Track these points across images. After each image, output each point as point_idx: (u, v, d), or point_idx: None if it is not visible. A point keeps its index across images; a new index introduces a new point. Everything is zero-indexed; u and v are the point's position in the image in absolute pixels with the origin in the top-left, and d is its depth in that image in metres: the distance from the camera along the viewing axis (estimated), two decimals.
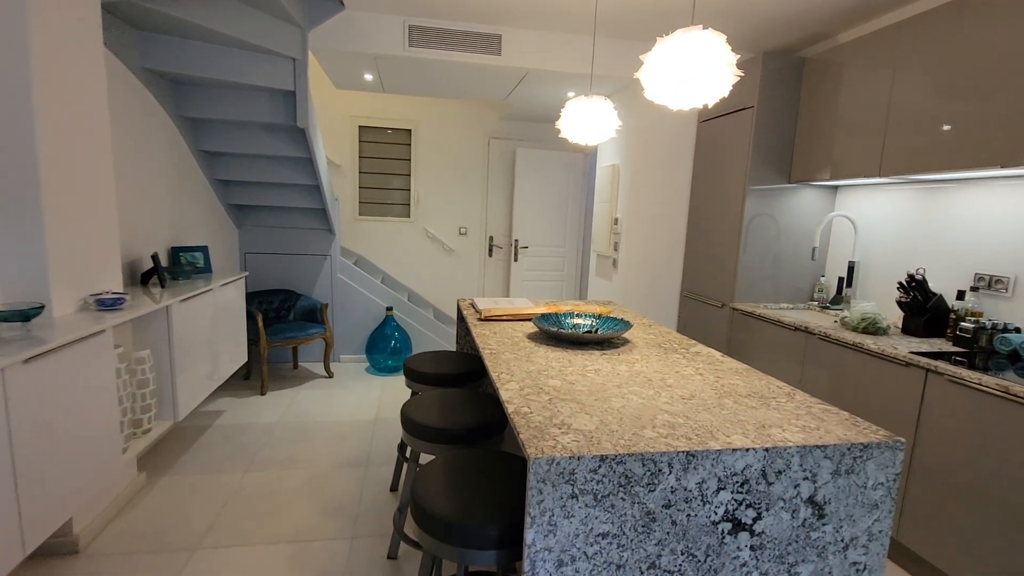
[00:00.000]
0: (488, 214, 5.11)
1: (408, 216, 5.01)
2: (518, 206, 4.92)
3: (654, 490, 1.02)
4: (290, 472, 2.51)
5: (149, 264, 2.64)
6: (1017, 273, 2.08)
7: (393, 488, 2.40)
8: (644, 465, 1.01)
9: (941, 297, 2.25)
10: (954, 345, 2.11)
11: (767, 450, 1.06)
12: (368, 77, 3.67)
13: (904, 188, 2.58)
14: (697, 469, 1.03)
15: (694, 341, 1.95)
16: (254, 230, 3.97)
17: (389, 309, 4.17)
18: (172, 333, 2.27)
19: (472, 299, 2.55)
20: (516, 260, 5.00)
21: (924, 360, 1.87)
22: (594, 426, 1.12)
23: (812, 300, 3.06)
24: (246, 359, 3.30)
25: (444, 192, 5.03)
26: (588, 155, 5.02)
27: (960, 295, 2.20)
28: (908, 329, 2.30)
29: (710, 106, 1.90)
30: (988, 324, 2.03)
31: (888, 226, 2.66)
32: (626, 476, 1.01)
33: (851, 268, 2.78)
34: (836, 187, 3.00)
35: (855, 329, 2.31)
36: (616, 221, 3.61)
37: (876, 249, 2.72)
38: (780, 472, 1.07)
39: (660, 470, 1.02)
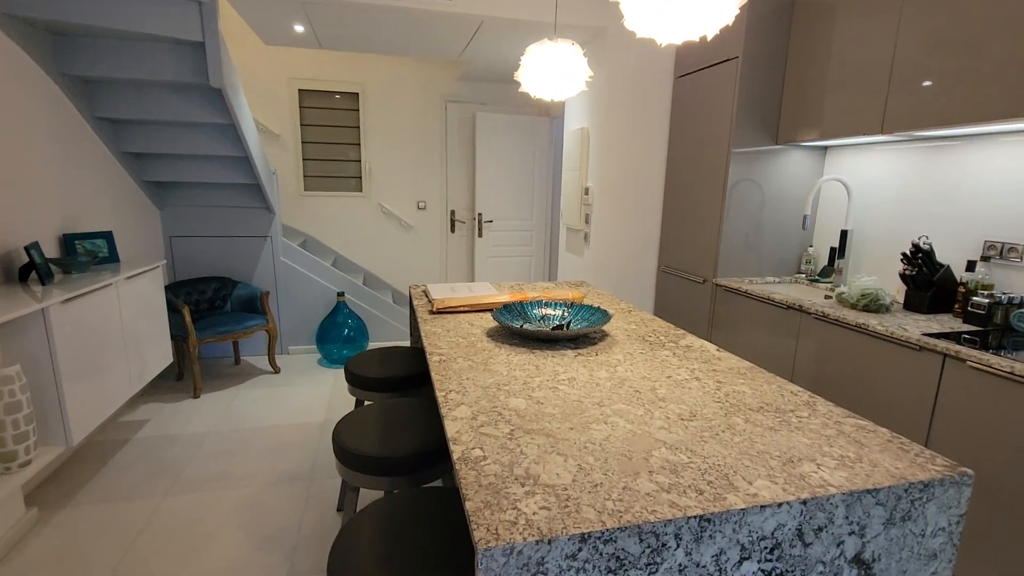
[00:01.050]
0: (448, 186, 4.71)
1: (360, 190, 4.56)
2: (480, 176, 4.53)
3: (656, 571, 0.73)
4: (220, 493, 2.16)
5: (26, 258, 2.18)
6: None
7: (340, 508, 2.08)
8: (642, 540, 0.71)
9: (948, 268, 2.02)
10: (964, 322, 1.89)
11: (804, 503, 0.77)
12: (299, 29, 3.18)
13: (903, 148, 2.33)
14: (714, 537, 0.74)
15: (682, 331, 1.66)
16: (179, 210, 3.49)
17: (340, 295, 3.78)
18: (54, 341, 1.85)
19: (425, 286, 2.21)
20: (480, 236, 4.64)
21: (942, 344, 1.64)
22: (571, 476, 0.81)
23: (799, 273, 2.83)
24: (171, 359, 2.89)
25: (399, 163, 4.60)
26: (555, 118, 4.64)
27: (970, 266, 1.98)
28: (911, 305, 2.08)
29: (708, 38, 1.55)
30: (1004, 298, 1.81)
31: (885, 191, 2.42)
32: (618, 558, 0.71)
33: (844, 237, 2.54)
34: (825, 149, 2.74)
35: (854, 306, 2.07)
36: (587, 191, 3.29)
37: (871, 216, 2.48)
38: (820, 529, 0.80)
39: (664, 544, 0.72)
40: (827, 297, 2.37)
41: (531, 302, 1.75)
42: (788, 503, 0.76)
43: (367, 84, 4.41)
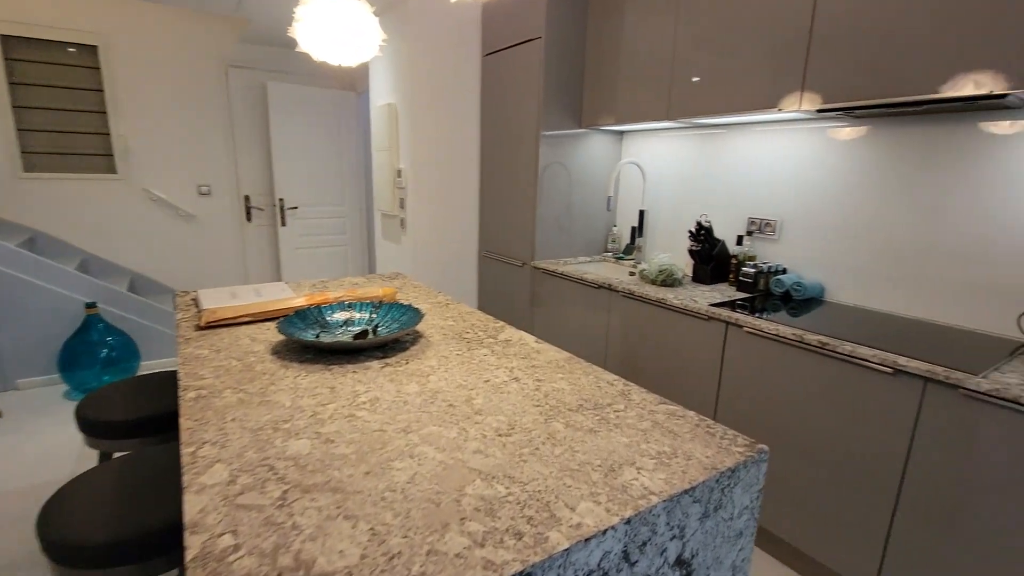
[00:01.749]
0: (239, 168, 4.02)
1: (114, 171, 3.63)
2: (279, 157, 3.95)
3: None
4: None
5: None
6: (782, 217, 2.18)
7: None
8: None
9: (723, 243, 2.28)
10: (738, 290, 2.16)
11: (629, 521, 0.70)
12: None
13: (686, 134, 2.57)
14: None
15: (502, 324, 1.56)
16: None
17: (91, 306, 2.96)
18: None
19: (197, 293, 1.77)
20: (284, 224, 4.07)
21: (724, 313, 1.81)
22: (359, 552, 0.62)
23: (607, 251, 3.00)
24: None
25: (169, 139, 3.76)
26: (362, 94, 4.25)
27: (739, 240, 2.25)
28: (698, 277, 2.31)
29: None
30: (765, 267, 2.10)
31: (673, 173, 2.65)
32: None
33: (641, 217, 2.74)
34: (622, 133, 2.92)
35: (654, 282, 2.22)
36: (399, 173, 3.05)
37: (664, 197, 2.71)
38: (645, 543, 0.73)
39: None
40: (631, 274, 2.53)
41: (331, 305, 1.48)
42: (613, 527, 0.68)
43: (111, 36, 3.48)
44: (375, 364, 1.21)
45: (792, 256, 2.16)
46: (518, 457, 0.83)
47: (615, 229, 2.97)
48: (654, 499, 0.73)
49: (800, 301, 1.99)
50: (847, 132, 1.94)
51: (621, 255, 2.86)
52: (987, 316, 1.65)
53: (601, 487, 0.76)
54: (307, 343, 1.22)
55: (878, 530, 1.48)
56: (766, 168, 2.22)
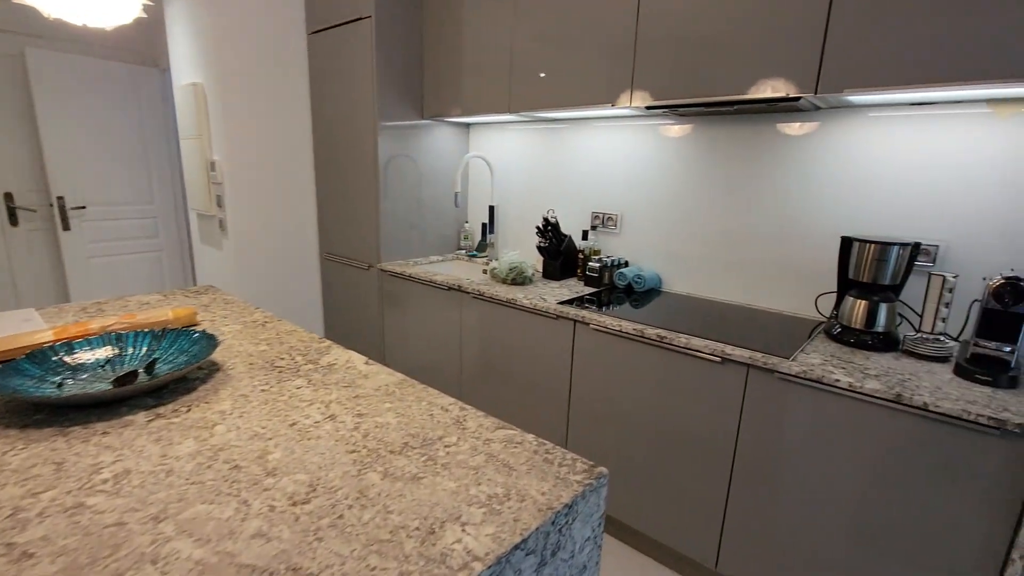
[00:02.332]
0: None
1: None
2: (53, 145, 3.17)
3: None
4: None
5: None
6: (623, 211, 2.24)
7: None
8: None
9: (571, 238, 2.28)
10: (586, 285, 2.17)
11: None
12: None
13: (531, 128, 2.53)
14: None
15: (328, 344, 1.35)
16: None
17: None
18: None
19: None
20: (67, 228, 3.30)
21: (572, 311, 1.79)
22: None
23: (460, 249, 2.88)
24: None
25: None
26: (166, 69, 3.59)
27: (584, 235, 2.27)
28: (548, 273, 2.28)
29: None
30: (608, 261, 2.13)
31: (521, 168, 2.60)
32: None
33: (491, 213, 2.66)
34: (468, 126, 2.80)
35: (504, 281, 2.15)
36: (213, 165, 2.60)
37: (513, 191, 2.66)
38: None
39: None
40: (484, 272, 2.43)
41: (90, 339, 1.14)
42: None
43: None
44: (140, 417, 0.93)
45: (633, 248, 2.23)
46: (312, 534, 0.65)
47: (467, 226, 2.86)
48: (478, 567, 0.61)
49: (641, 293, 2.06)
50: (675, 130, 2.03)
51: (474, 253, 2.76)
52: (793, 298, 1.84)
53: (415, 562, 0.61)
54: (35, 400, 0.89)
55: (716, 507, 1.56)
56: (606, 163, 2.26)
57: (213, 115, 2.52)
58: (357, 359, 1.25)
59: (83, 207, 3.35)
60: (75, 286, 3.38)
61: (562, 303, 1.87)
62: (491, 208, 2.65)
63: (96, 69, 3.29)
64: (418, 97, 2.53)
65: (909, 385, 1.23)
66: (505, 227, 2.72)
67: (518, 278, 2.13)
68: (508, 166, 2.65)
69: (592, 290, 2.09)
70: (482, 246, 2.75)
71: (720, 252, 1.97)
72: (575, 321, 1.79)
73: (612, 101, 1.85)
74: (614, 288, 2.12)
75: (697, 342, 1.50)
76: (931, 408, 1.15)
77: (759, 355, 1.40)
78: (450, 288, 2.19)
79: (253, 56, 2.49)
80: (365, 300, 2.66)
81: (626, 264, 2.22)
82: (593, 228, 2.29)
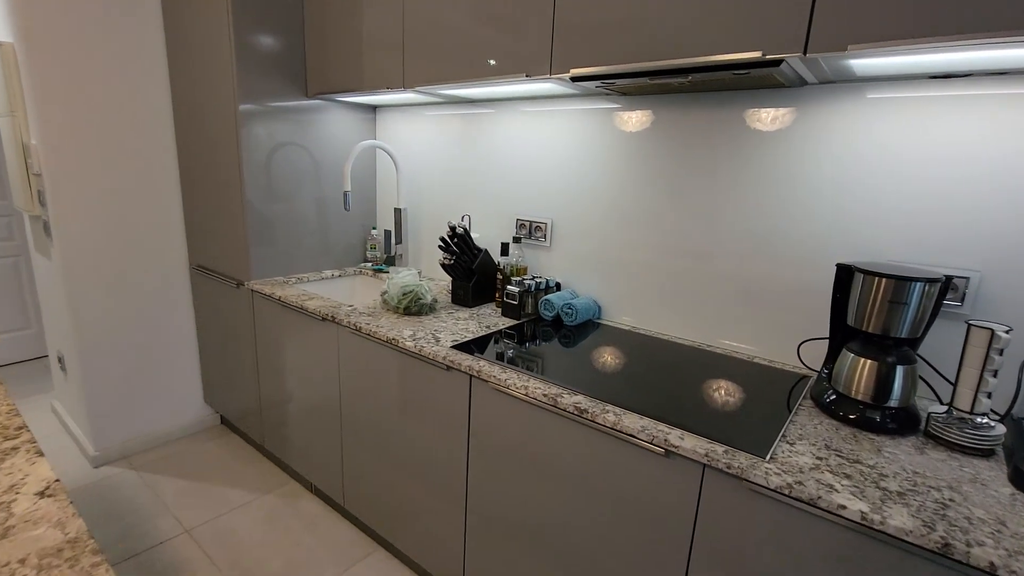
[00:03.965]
0: None
1: None
2: None
3: None
4: None
5: None
6: (554, 217, 1.75)
7: None
8: None
9: (487, 253, 1.78)
10: (503, 314, 1.67)
11: None
12: None
13: (444, 112, 2.01)
14: None
15: (21, 435, 0.80)
16: None
17: None
18: None
19: None
20: None
21: (467, 361, 1.28)
22: None
23: (366, 261, 2.35)
24: None
25: None
26: None
27: (504, 249, 1.77)
28: (457, 298, 1.77)
29: None
30: (531, 284, 1.64)
31: (436, 162, 2.08)
32: None
33: (398, 217, 2.13)
34: (375, 109, 2.27)
35: (396, 309, 1.63)
36: (27, 150, 2.00)
37: (425, 191, 2.14)
38: None
39: None
40: (383, 294, 1.90)
41: None
42: None
43: None
44: None
45: (566, 266, 1.74)
46: None
47: (375, 233, 2.32)
48: None
49: (572, 328, 1.57)
50: (622, 118, 1.54)
51: (381, 267, 2.23)
52: (767, 339, 1.37)
53: None
54: None
55: None
56: (535, 158, 1.76)
57: (28, 85, 1.92)
58: (36, 479, 0.71)
59: None
60: None
61: (459, 345, 1.36)
62: (397, 211, 2.12)
63: None
64: (300, 70, 1.98)
65: (955, 516, 0.76)
66: (417, 235, 2.20)
67: (412, 305, 1.61)
68: (419, 159, 2.12)
69: (510, 322, 1.59)
70: (392, 260, 2.22)
71: (675, 273, 1.50)
72: (470, 376, 1.28)
73: (528, 71, 1.35)
74: (540, 319, 1.63)
75: (631, 421, 1.01)
76: (1000, 572, 0.68)
77: (720, 449, 0.91)
78: (324, 318, 1.66)
79: (81, 9, 1.90)
80: (239, 325, 2.10)
81: (557, 287, 1.73)
82: (516, 240, 1.78)
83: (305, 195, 2.09)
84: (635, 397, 1.10)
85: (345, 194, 1.90)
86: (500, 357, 1.29)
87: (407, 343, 1.39)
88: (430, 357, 1.35)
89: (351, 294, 2.23)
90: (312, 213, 2.12)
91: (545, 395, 1.12)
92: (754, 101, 1.30)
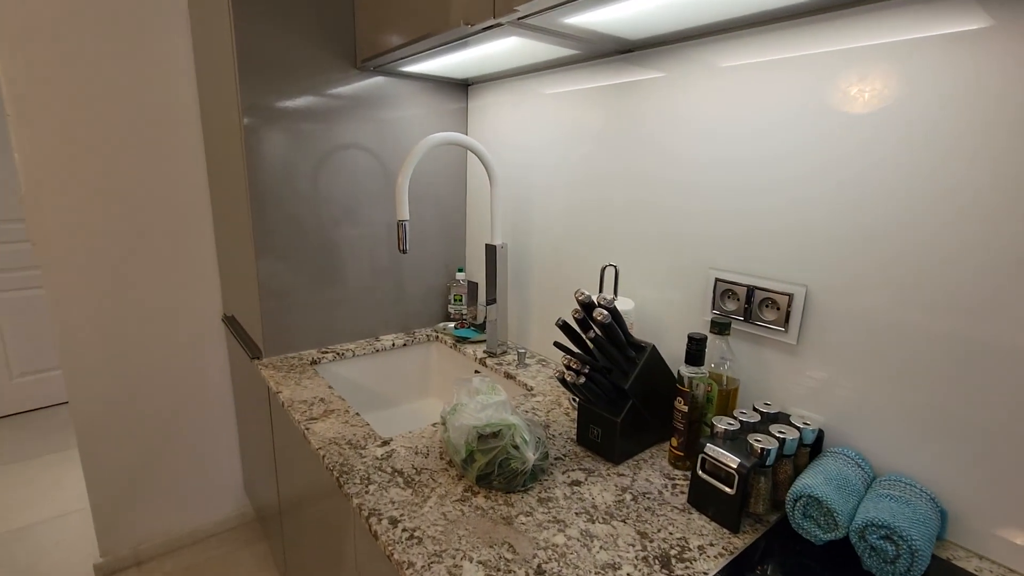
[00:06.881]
0: None
1: None
2: None
3: None
4: None
5: None
6: (809, 279, 0.78)
7: None
8: None
9: (654, 352, 0.86)
10: (690, 500, 0.74)
11: None
12: None
13: (572, 88, 1.15)
14: None
15: None
16: None
17: None
18: None
19: None
20: None
21: None
22: None
23: (449, 320, 1.55)
24: None
25: None
26: None
27: (694, 346, 0.83)
28: (588, 441, 0.88)
29: None
30: (769, 450, 0.69)
31: (555, 170, 1.22)
32: None
33: (491, 258, 1.30)
34: (467, 85, 1.47)
35: (466, 474, 0.79)
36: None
37: (538, 220, 1.29)
38: None
39: None
40: (441, 425, 1.08)
41: None
42: None
43: None
44: None
45: (839, 391, 0.76)
46: None
47: (460, 275, 1.52)
48: None
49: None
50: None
51: (467, 331, 1.41)
52: None
53: None
54: None
55: None
56: (760, 161, 0.82)
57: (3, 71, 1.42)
58: None
59: None
60: None
61: None
62: (490, 250, 1.29)
63: None
64: (347, 30, 1.25)
65: None
66: (525, 289, 1.35)
67: (493, 475, 0.75)
68: (530, 165, 1.28)
69: (719, 536, 0.66)
70: (478, 326, 1.40)
71: None
72: None
73: None
74: (786, 530, 0.68)
75: None
76: None
77: None
78: (329, 482, 0.87)
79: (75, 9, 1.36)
80: (257, 410, 1.42)
81: (818, 442, 0.76)
82: (718, 326, 0.84)
83: (357, 221, 1.35)
84: None
85: (400, 226, 1.11)
86: None
87: None
88: None
89: (418, 383, 1.46)
90: (365, 249, 1.38)
91: None
92: None
